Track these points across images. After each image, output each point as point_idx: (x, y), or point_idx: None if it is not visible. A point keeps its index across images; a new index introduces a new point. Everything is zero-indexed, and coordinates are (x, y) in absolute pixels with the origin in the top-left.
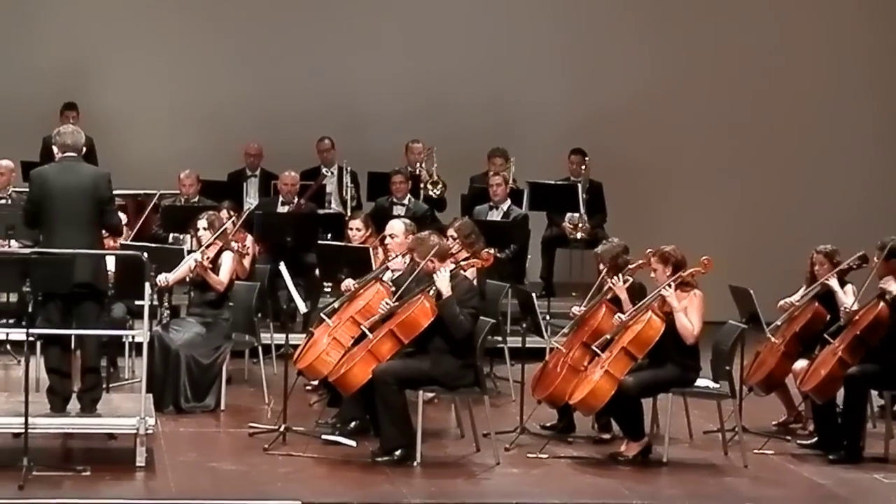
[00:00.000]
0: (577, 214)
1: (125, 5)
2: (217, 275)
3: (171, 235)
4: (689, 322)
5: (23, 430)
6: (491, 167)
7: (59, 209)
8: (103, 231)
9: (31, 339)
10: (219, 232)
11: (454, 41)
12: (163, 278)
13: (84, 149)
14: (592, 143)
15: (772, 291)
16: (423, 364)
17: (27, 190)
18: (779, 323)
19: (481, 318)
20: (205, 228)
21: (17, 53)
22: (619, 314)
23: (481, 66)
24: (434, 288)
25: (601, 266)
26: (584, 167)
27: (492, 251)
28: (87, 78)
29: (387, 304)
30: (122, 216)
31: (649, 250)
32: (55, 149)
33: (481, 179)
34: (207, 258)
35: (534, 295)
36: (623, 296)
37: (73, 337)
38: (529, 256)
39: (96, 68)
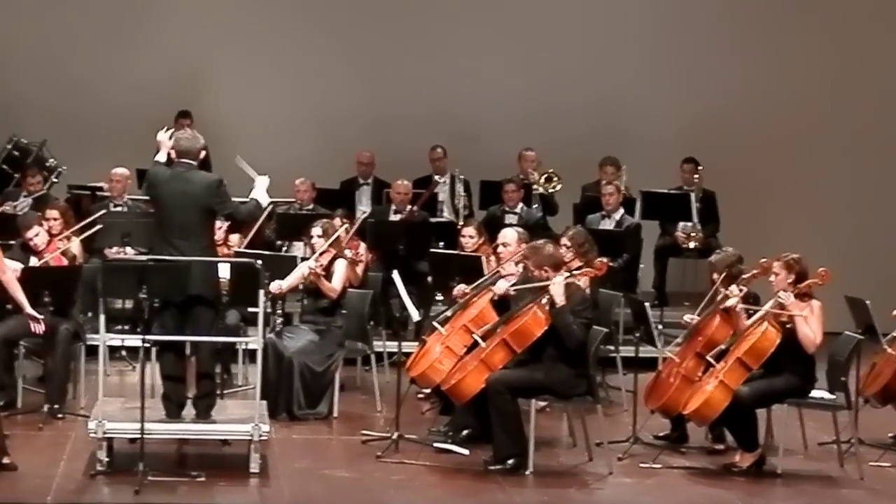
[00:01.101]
0: (690, 223)
1: (238, 14)
2: (330, 282)
3: (285, 243)
4: (811, 331)
5: (139, 436)
6: (602, 176)
7: (169, 217)
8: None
9: (146, 345)
10: (332, 239)
11: (566, 49)
12: (276, 285)
13: (203, 153)
14: (705, 151)
15: (888, 302)
16: (536, 373)
17: (146, 198)
18: (895, 334)
19: (594, 327)
20: (318, 236)
21: (132, 63)
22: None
23: (593, 75)
24: (547, 297)
25: (715, 275)
26: (696, 176)
27: (605, 260)
28: (201, 86)
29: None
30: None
31: (764, 259)
32: (172, 153)
33: (593, 188)
34: (321, 266)
35: (647, 304)
36: (738, 305)
37: (187, 343)
38: (642, 265)
39: (210, 77)
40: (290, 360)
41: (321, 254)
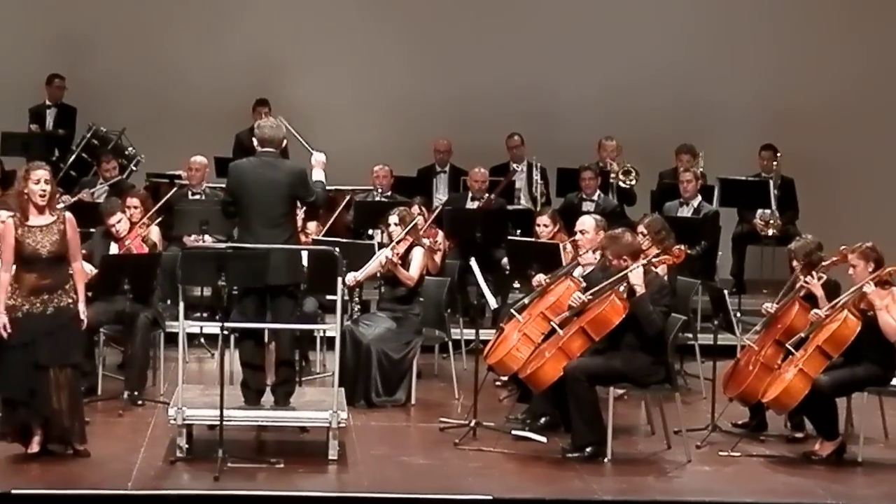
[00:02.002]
0: (768, 211)
1: (316, 2)
2: (407, 270)
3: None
4: (892, 318)
5: (218, 423)
6: (679, 163)
7: (254, 204)
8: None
9: (225, 332)
10: (409, 227)
11: (644, 37)
12: (351, 277)
13: (285, 142)
14: (783, 139)
15: None
16: (614, 361)
17: (223, 185)
18: None
19: (672, 314)
20: (396, 224)
21: (209, 51)
22: (815, 310)
23: (671, 61)
24: (626, 285)
25: (794, 263)
26: (775, 163)
27: (683, 248)
28: (279, 74)
29: (578, 297)
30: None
31: (843, 247)
32: (255, 142)
33: (670, 175)
34: (398, 254)
35: (725, 292)
36: (819, 293)
37: (266, 331)
38: (720, 253)
39: (288, 65)
40: (367, 347)
41: (398, 242)
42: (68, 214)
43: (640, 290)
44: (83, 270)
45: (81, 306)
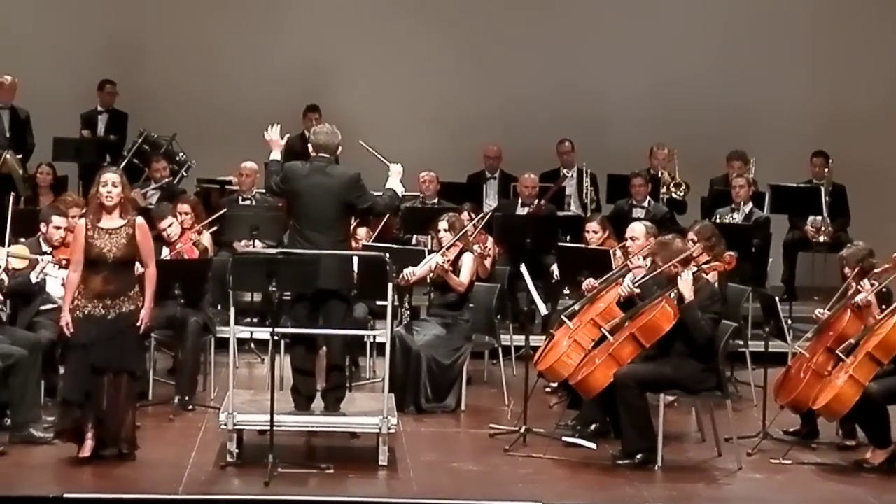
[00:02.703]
0: (819, 217)
1: (364, 8)
2: (458, 276)
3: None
4: None
5: (268, 428)
6: (730, 170)
7: (306, 210)
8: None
9: (275, 338)
10: (459, 234)
11: (696, 44)
12: (409, 271)
13: (339, 149)
14: (835, 145)
15: None
16: (664, 367)
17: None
18: None
19: (723, 321)
20: (445, 230)
21: (258, 58)
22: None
23: (722, 69)
24: (675, 291)
25: (846, 270)
26: (827, 169)
27: (734, 254)
28: (329, 80)
29: (627, 286)
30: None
31: None
32: (310, 147)
33: (721, 182)
34: (448, 260)
35: (777, 299)
36: (871, 300)
37: (317, 336)
38: (771, 259)
39: (337, 71)
40: (417, 353)
41: (448, 248)
42: (140, 220)
43: (688, 297)
44: (154, 276)
45: (144, 312)
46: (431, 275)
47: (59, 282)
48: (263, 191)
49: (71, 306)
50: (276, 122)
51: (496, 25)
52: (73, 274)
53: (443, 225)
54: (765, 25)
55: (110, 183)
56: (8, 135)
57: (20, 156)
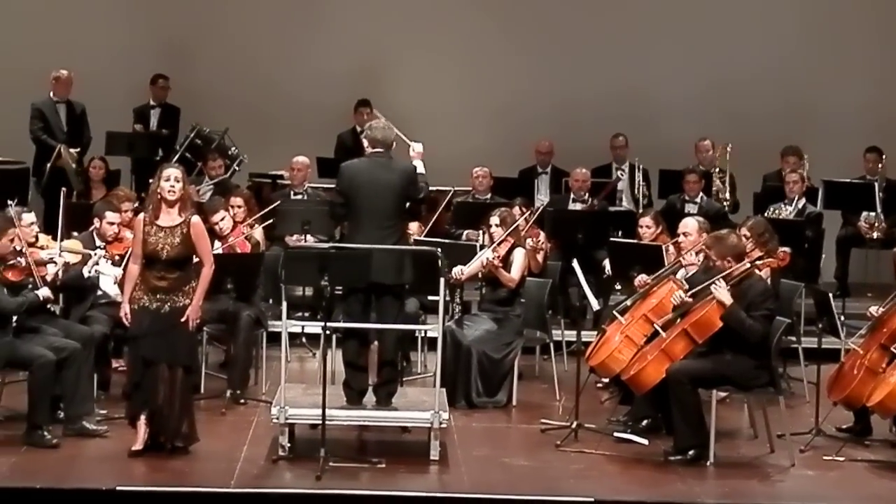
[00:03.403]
0: (873, 214)
1: (416, 4)
2: (509, 272)
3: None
4: None
5: (320, 422)
6: (784, 165)
7: (366, 204)
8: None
9: (327, 332)
10: (511, 229)
11: (748, 38)
12: (458, 270)
13: (394, 144)
14: (888, 141)
15: None
16: (717, 363)
17: (331, 185)
18: None
19: (776, 318)
20: (497, 225)
21: (311, 54)
22: None
23: (776, 65)
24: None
25: None
26: (880, 165)
27: (787, 250)
28: (379, 76)
29: (680, 296)
30: None
31: None
32: (365, 143)
33: (775, 177)
34: (499, 256)
35: (830, 295)
36: None
37: (370, 331)
38: (823, 256)
39: (388, 67)
40: (468, 348)
41: (499, 243)
42: (195, 218)
43: (727, 302)
44: (209, 275)
45: (190, 308)
46: (483, 270)
47: (111, 278)
48: (315, 185)
49: (129, 298)
50: (327, 120)
51: (547, 20)
52: (133, 266)
53: (495, 220)
54: (819, 22)
55: (173, 178)
56: (65, 129)
57: (77, 150)
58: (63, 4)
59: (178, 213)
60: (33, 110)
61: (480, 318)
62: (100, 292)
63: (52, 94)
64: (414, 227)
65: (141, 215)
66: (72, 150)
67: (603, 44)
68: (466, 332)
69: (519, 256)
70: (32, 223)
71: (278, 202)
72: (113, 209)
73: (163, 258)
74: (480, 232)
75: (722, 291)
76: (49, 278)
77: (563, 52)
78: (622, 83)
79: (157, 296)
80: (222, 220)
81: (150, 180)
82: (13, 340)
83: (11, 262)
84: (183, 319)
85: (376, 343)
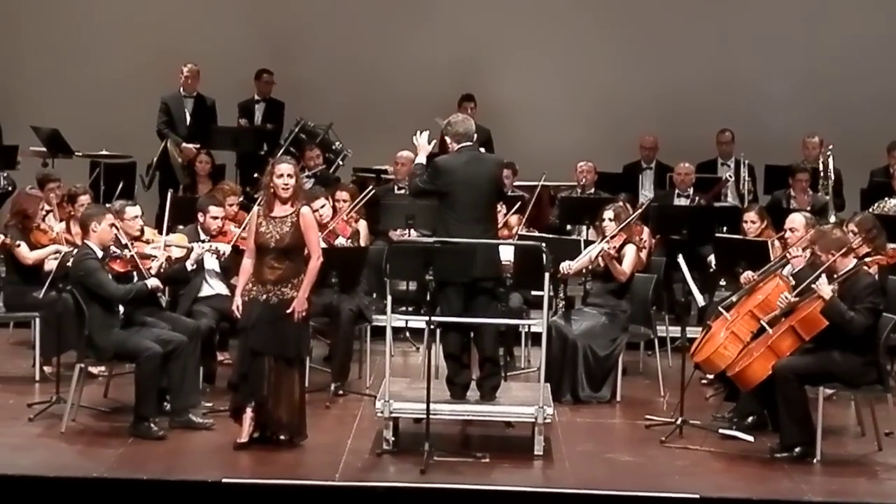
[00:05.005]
0: None
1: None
2: (621, 266)
3: (568, 226)
4: None
5: (424, 416)
6: (891, 161)
7: (463, 199)
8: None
9: (431, 326)
10: (625, 223)
11: (856, 31)
12: (566, 265)
13: (475, 135)
14: None
15: None
16: (824, 360)
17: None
18: None
19: (884, 314)
20: (610, 219)
21: (415, 49)
22: None
23: (883, 57)
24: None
25: None
26: None
27: None
28: (484, 71)
29: (786, 298)
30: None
31: None
32: (448, 139)
33: (882, 174)
34: (614, 248)
35: None
36: None
37: (471, 325)
38: None
39: (492, 61)
40: (574, 342)
41: (613, 237)
42: (305, 209)
43: (827, 296)
44: (317, 267)
45: (297, 300)
46: (591, 264)
47: (214, 273)
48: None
49: (241, 291)
50: (431, 115)
51: (650, 13)
52: (247, 260)
53: (609, 214)
54: None
55: (286, 174)
56: (187, 123)
57: (197, 145)
58: (171, 1)
59: (290, 206)
60: (161, 104)
61: (587, 312)
62: (206, 287)
63: (181, 88)
64: (514, 220)
65: (254, 209)
66: (187, 145)
67: (707, 37)
68: (573, 326)
69: (630, 252)
70: (136, 216)
71: (371, 188)
72: (216, 203)
73: (272, 247)
74: (584, 226)
75: (823, 286)
76: (153, 271)
77: (667, 44)
78: (726, 75)
79: (267, 286)
80: (322, 207)
81: (255, 175)
82: (121, 333)
83: (116, 253)
84: (289, 311)
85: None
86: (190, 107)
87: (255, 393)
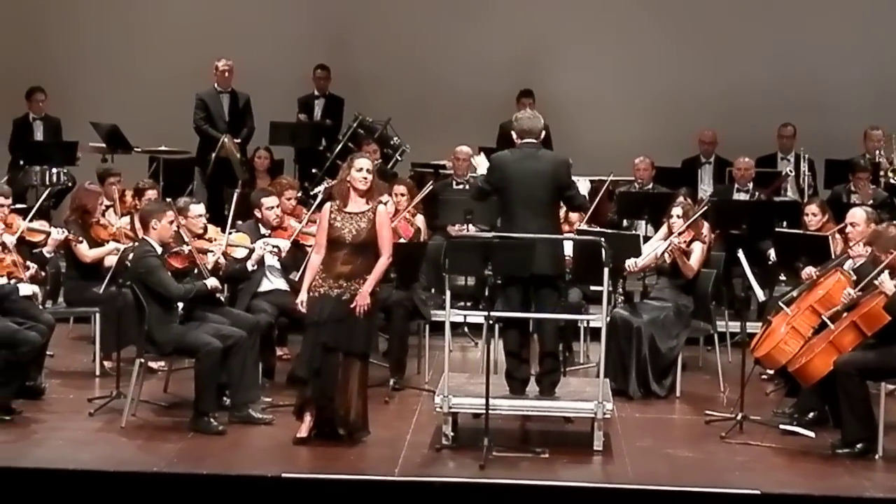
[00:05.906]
0: None
1: None
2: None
3: (626, 221)
4: None
5: (483, 412)
6: None
7: (519, 195)
8: (570, 213)
9: (490, 322)
10: (692, 220)
11: None
12: (631, 262)
13: (542, 134)
14: None
15: None
16: (886, 356)
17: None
18: None
19: None
20: (679, 216)
21: (474, 45)
22: None
23: None
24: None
25: None
26: None
27: None
28: (542, 66)
29: (848, 293)
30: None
31: None
32: (514, 134)
33: None
34: (685, 241)
35: None
36: None
37: (530, 321)
38: None
39: (550, 57)
40: (639, 329)
41: (680, 233)
42: (381, 207)
43: (890, 291)
44: (385, 265)
45: (360, 294)
46: (657, 260)
47: (273, 268)
48: (477, 176)
49: (308, 286)
50: (488, 111)
51: (713, 9)
52: (315, 256)
53: (677, 211)
54: None
55: (365, 169)
56: (226, 119)
57: (238, 140)
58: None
59: (366, 202)
60: (197, 100)
61: (650, 306)
62: (265, 282)
63: (215, 84)
64: (575, 216)
65: (328, 204)
66: (235, 140)
67: (767, 32)
68: (634, 320)
69: (698, 249)
70: (200, 215)
71: (431, 183)
72: (267, 194)
73: (347, 242)
74: (643, 222)
75: (886, 281)
76: (210, 266)
77: (724, 39)
78: (785, 70)
79: (339, 282)
80: (386, 203)
81: (314, 170)
82: (180, 328)
83: (175, 249)
84: (352, 305)
85: (536, 334)
86: (227, 102)
87: (328, 388)
